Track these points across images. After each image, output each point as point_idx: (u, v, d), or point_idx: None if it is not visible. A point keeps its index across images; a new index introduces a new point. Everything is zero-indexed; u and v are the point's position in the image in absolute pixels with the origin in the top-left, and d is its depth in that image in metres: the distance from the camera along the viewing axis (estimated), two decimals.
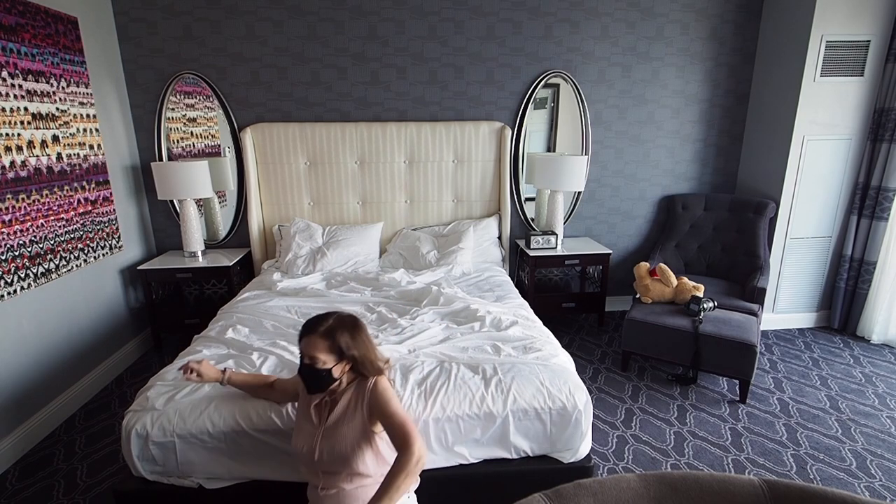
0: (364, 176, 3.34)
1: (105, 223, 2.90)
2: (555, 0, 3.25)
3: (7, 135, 2.23)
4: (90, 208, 2.77)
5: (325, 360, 1.35)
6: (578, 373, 1.97)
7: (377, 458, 1.40)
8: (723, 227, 3.43)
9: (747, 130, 3.60)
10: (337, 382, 1.40)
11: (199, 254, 3.15)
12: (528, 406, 1.73)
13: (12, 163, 2.25)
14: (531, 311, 2.49)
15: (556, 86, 3.44)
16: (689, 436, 2.34)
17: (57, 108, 2.54)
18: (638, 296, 2.99)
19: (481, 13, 3.23)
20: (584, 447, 1.80)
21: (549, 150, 3.58)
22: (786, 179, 3.23)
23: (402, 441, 1.28)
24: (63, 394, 2.53)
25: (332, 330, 1.36)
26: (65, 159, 2.58)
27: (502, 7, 3.23)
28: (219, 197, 3.41)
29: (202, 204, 3.38)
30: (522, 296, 2.78)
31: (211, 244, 3.45)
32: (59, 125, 2.55)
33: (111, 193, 2.96)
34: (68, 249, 2.59)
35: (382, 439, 1.41)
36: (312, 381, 1.38)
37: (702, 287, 2.79)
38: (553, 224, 3.40)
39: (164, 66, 3.13)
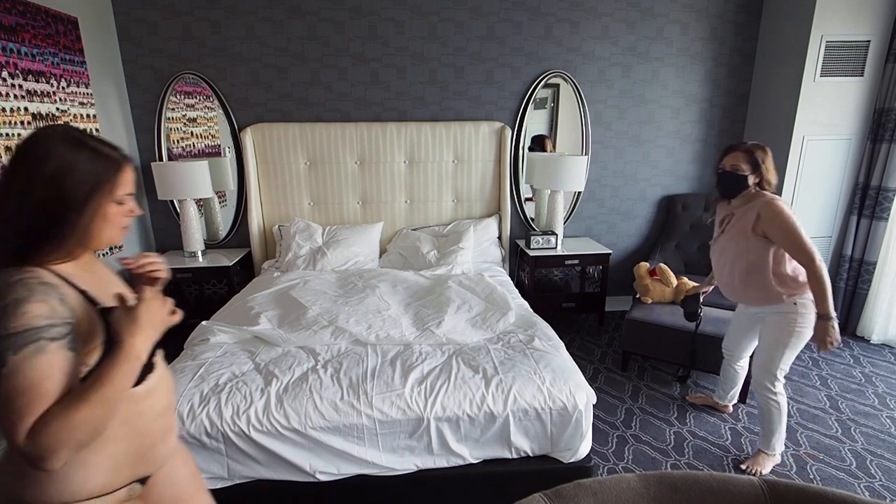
0: (364, 176, 3.34)
1: None
2: (555, 0, 3.25)
3: (7, 135, 2.23)
4: None
5: (745, 170, 1.87)
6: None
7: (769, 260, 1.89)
8: None
9: (747, 130, 3.60)
10: (747, 190, 1.90)
11: (199, 254, 3.15)
12: (528, 406, 1.73)
13: None
14: (532, 311, 2.49)
15: (556, 86, 3.44)
16: (689, 436, 2.34)
17: (57, 108, 2.54)
18: (638, 296, 2.99)
19: (481, 13, 3.23)
20: (584, 447, 1.80)
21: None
22: (786, 179, 3.23)
23: (804, 259, 1.78)
24: None
25: (751, 149, 1.89)
26: None
27: (502, 7, 3.23)
28: (219, 197, 3.41)
29: (202, 204, 3.37)
30: (522, 296, 2.78)
31: (211, 244, 3.44)
32: None
33: None
34: None
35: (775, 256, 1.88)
36: (731, 186, 1.92)
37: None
38: (553, 224, 3.40)
39: (164, 66, 3.13)
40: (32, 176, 0.83)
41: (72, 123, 2.63)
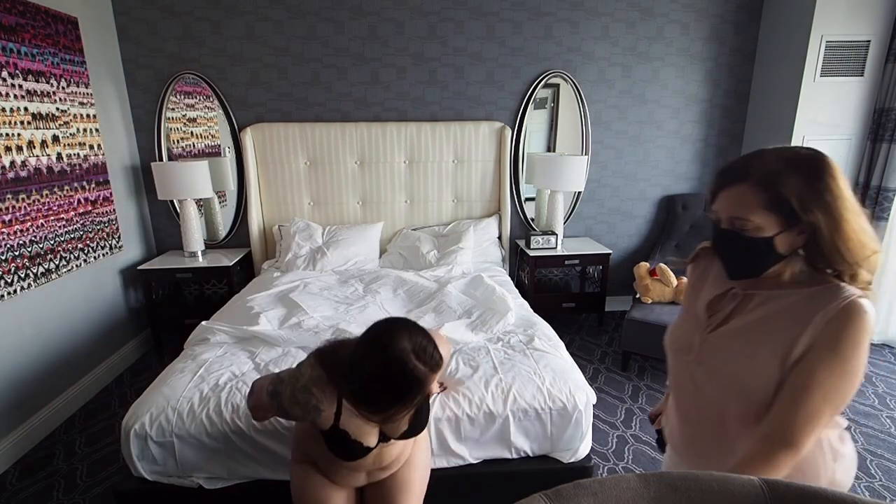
0: (364, 176, 3.34)
1: (105, 223, 2.90)
2: (555, 0, 3.25)
3: (7, 135, 2.23)
4: (90, 208, 2.77)
5: (762, 225, 0.83)
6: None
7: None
8: None
9: (747, 130, 3.60)
10: (778, 265, 0.87)
11: (199, 254, 3.15)
12: (528, 406, 1.73)
13: (12, 163, 2.25)
14: (532, 311, 2.49)
15: (556, 86, 3.43)
16: None
17: (57, 108, 2.54)
18: (638, 296, 2.99)
19: (481, 13, 3.23)
20: (584, 447, 1.80)
21: (549, 150, 3.58)
22: None
23: (782, 429, 0.82)
24: (63, 394, 2.53)
25: (773, 175, 0.82)
26: (65, 159, 2.58)
27: (502, 7, 3.23)
28: (219, 197, 3.41)
29: (202, 204, 3.37)
30: (522, 296, 2.78)
31: (211, 244, 3.44)
32: (59, 125, 2.55)
33: (111, 193, 2.95)
34: (68, 249, 2.59)
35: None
36: (736, 258, 0.89)
37: None
38: (553, 224, 3.40)
39: (164, 66, 3.13)
40: (370, 362, 1.09)
41: (71, 123, 2.63)
